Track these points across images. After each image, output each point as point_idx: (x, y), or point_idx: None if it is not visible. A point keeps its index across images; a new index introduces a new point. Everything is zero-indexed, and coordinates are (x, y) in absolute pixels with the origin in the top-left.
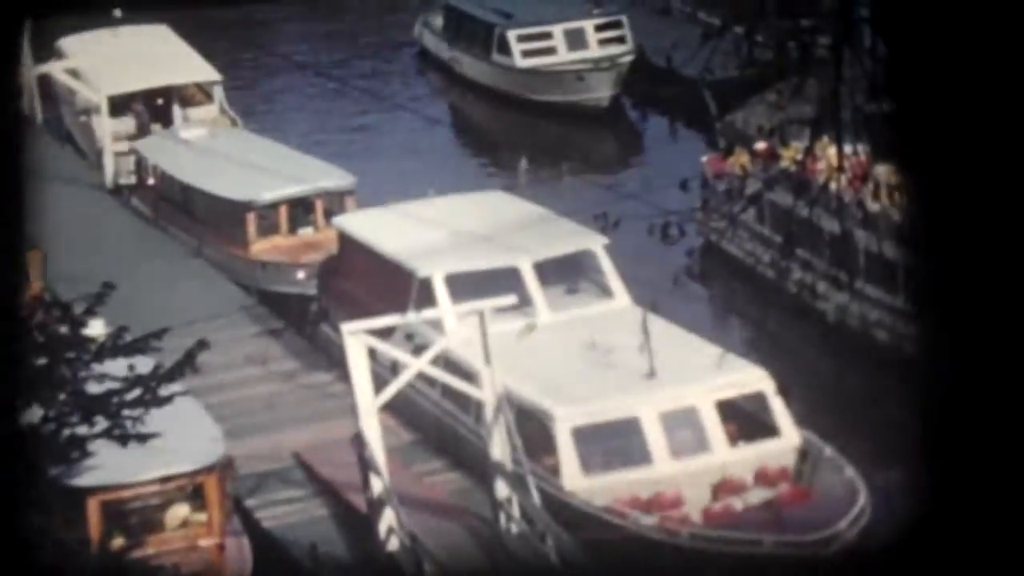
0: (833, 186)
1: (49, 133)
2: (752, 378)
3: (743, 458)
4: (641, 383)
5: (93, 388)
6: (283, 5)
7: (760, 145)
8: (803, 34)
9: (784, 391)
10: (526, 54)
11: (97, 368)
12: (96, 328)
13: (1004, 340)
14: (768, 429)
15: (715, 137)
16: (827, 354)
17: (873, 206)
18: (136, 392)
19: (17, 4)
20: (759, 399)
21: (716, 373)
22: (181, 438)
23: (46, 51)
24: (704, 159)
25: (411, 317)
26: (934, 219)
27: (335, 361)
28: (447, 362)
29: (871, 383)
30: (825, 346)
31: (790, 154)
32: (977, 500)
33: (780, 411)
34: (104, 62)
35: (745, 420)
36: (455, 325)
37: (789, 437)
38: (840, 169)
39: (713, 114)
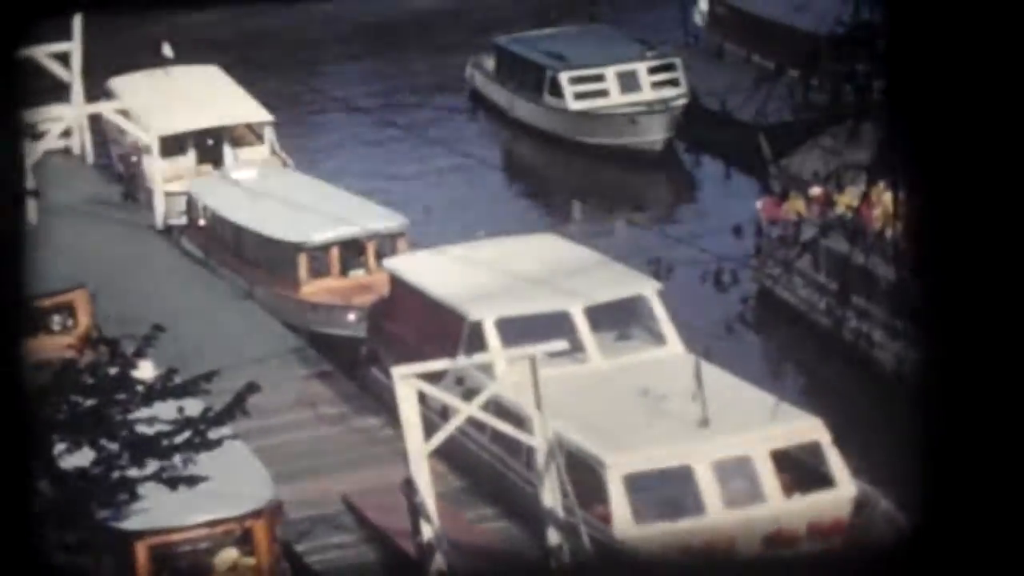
0: (889, 233)
1: (99, 173)
2: (807, 427)
3: (797, 509)
4: (694, 431)
5: (142, 430)
6: (334, 46)
7: (815, 190)
8: (859, 78)
9: (839, 441)
10: (578, 96)
11: (146, 410)
12: (146, 370)
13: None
14: (823, 480)
15: (770, 182)
16: (884, 403)
17: None
18: (185, 435)
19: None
20: (814, 449)
21: (770, 422)
22: (230, 482)
23: (96, 91)
24: (759, 204)
25: (461, 361)
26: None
27: (385, 405)
28: (497, 407)
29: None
30: (882, 395)
31: (846, 200)
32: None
33: (836, 461)
34: (155, 102)
35: (800, 470)
36: (506, 370)
37: (845, 488)
38: (896, 216)
39: (768, 159)
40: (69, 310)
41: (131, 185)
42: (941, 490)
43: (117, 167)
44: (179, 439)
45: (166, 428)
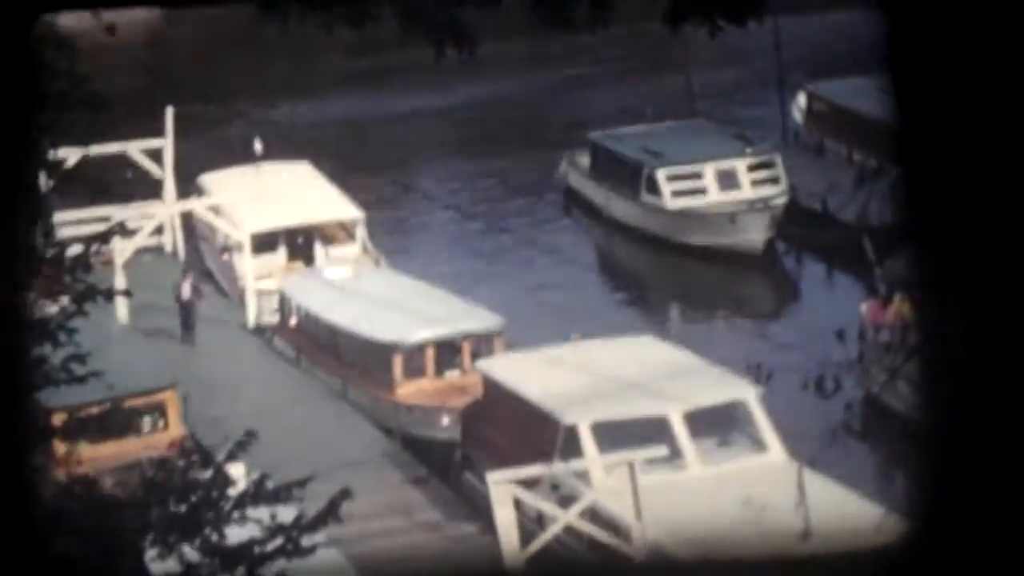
0: None
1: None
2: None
3: None
4: (796, 543)
5: (234, 537)
6: (426, 143)
7: None
8: None
9: None
10: (676, 194)
11: (238, 516)
12: (237, 474)
13: None
14: None
15: (874, 284)
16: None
17: None
18: (278, 542)
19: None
20: None
21: (877, 534)
22: None
23: (188, 188)
24: (863, 307)
25: (558, 468)
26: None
27: (480, 511)
28: (594, 515)
29: None
30: None
31: None
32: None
33: None
34: (246, 199)
35: None
36: (603, 477)
37: None
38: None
39: (872, 260)
40: (159, 410)
41: (188, 317)
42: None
43: (180, 294)
44: (271, 546)
45: (259, 535)
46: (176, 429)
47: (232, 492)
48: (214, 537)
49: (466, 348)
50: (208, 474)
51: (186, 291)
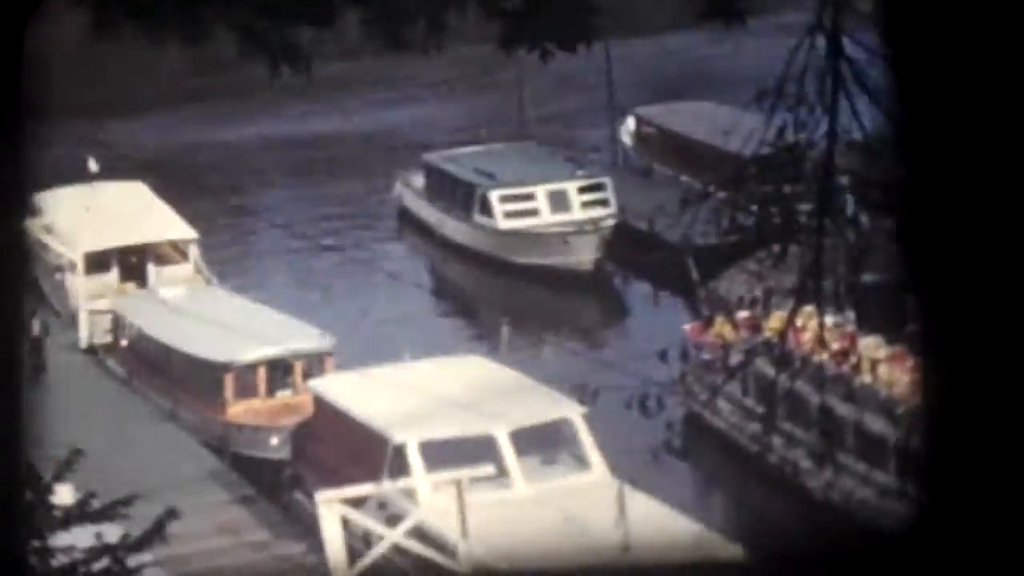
0: (816, 358)
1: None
2: (729, 555)
3: None
4: (615, 557)
5: (59, 558)
6: (262, 165)
7: (743, 314)
8: (785, 200)
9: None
10: (508, 215)
11: (64, 536)
12: (63, 494)
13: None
14: None
15: (698, 305)
16: (811, 531)
17: (861, 380)
18: (103, 562)
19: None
20: None
21: (692, 549)
22: None
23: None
24: (687, 328)
25: (387, 487)
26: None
27: (309, 530)
28: (421, 533)
29: (857, 562)
30: (809, 523)
31: (774, 325)
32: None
33: None
34: (79, 219)
35: None
36: (430, 495)
37: None
38: (821, 343)
39: (695, 281)
40: None
41: (38, 355)
42: None
43: (28, 331)
44: (97, 566)
45: (83, 555)
46: None
47: (57, 512)
48: (38, 559)
49: (298, 368)
50: (32, 495)
51: (35, 327)
